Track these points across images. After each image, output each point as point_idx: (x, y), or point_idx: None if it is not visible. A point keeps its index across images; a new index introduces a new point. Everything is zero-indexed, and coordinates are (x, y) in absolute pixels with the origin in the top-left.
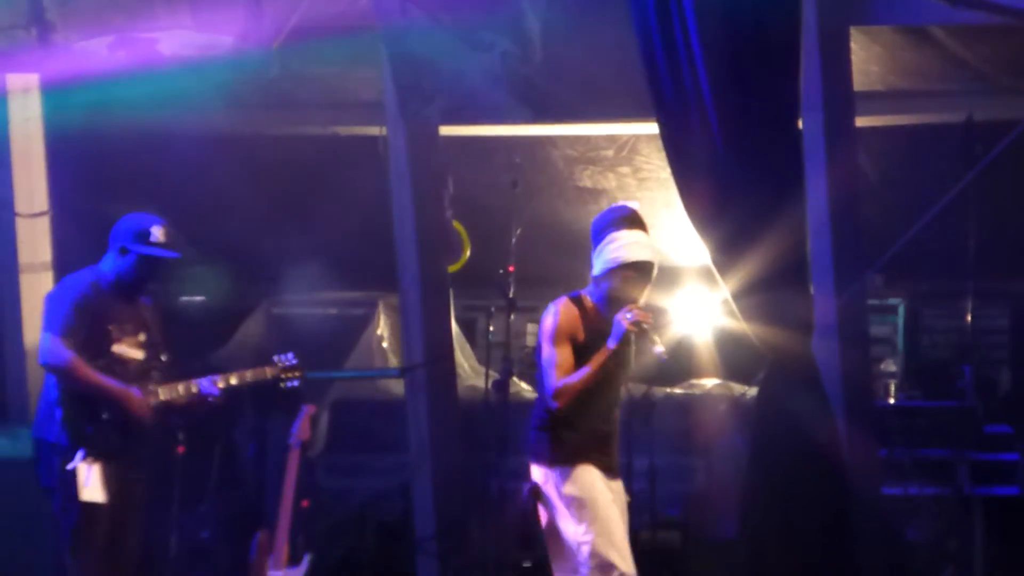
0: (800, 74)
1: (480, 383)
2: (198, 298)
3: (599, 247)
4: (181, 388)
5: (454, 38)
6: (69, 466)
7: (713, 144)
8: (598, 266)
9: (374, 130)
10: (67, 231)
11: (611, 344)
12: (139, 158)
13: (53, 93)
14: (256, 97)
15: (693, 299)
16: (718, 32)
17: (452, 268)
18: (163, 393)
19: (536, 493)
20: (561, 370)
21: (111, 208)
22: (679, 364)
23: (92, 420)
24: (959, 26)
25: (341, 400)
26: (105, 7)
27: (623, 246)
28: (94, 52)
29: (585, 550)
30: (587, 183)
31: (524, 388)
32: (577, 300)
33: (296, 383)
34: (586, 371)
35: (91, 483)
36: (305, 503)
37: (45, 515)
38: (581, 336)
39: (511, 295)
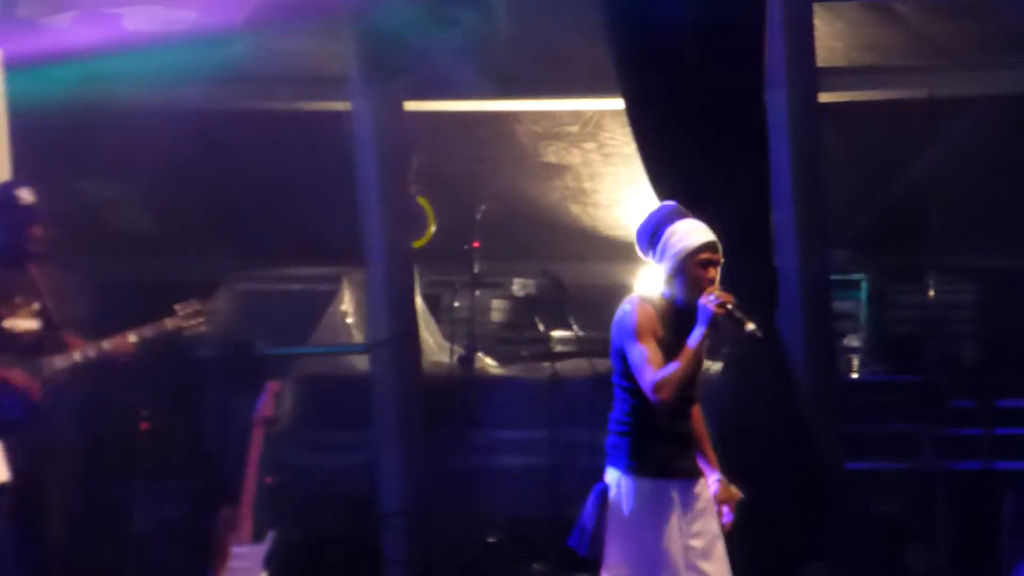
0: (764, 50)
1: (445, 358)
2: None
3: (660, 246)
4: (78, 355)
5: (419, 13)
6: None
7: (677, 119)
8: (668, 263)
9: (339, 105)
10: None
11: (702, 327)
12: (104, 134)
13: (17, 68)
14: (221, 72)
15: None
16: (682, 8)
17: (417, 243)
18: (59, 362)
19: (604, 495)
20: (654, 364)
21: (76, 184)
22: None
23: None
24: (922, 2)
25: (306, 376)
26: None
27: (688, 233)
28: (58, 27)
29: (644, 568)
30: (552, 159)
31: (489, 363)
32: (648, 299)
33: (203, 329)
34: (682, 360)
35: None
36: (269, 480)
37: None
38: (660, 333)
39: (476, 270)
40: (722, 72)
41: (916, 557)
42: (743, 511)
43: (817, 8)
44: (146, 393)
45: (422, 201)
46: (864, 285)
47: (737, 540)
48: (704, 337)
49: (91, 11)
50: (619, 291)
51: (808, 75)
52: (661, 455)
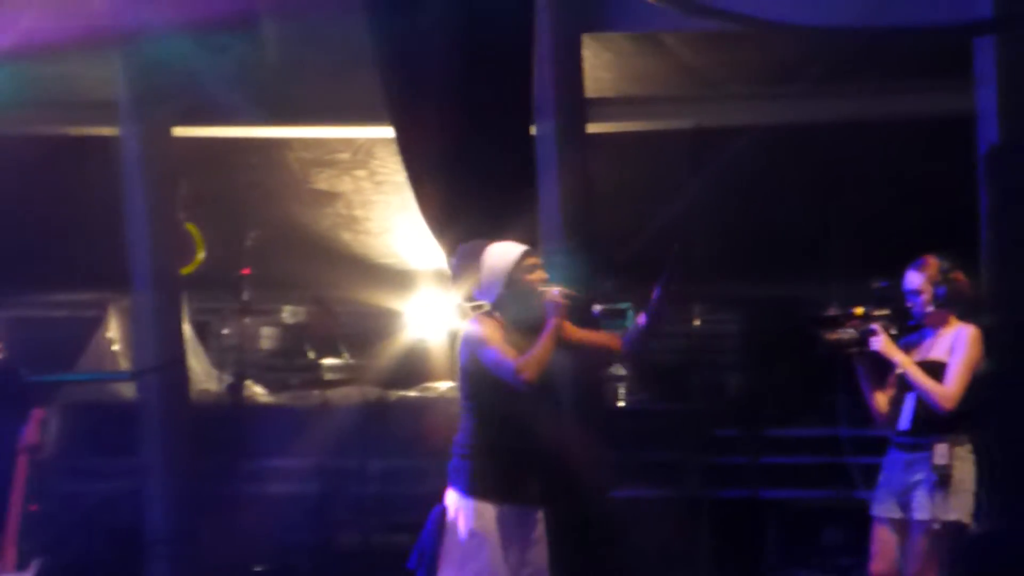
0: (533, 80)
1: (213, 386)
2: None
3: (485, 273)
4: None
5: (189, 39)
6: None
7: (446, 149)
8: (499, 284)
9: (107, 130)
10: None
11: (552, 319)
12: None
13: None
14: None
15: (428, 302)
16: (452, 38)
17: (185, 270)
18: None
19: (442, 517)
20: (509, 355)
21: None
22: (414, 367)
23: None
24: (689, 33)
25: (71, 403)
26: None
27: (503, 251)
28: None
29: None
30: (323, 186)
31: (258, 391)
32: (491, 316)
33: None
34: (540, 343)
35: None
36: (34, 507)
37: None
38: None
39: (245, 297)
40: (491, 102)
41: None
42: None
43: (585, 38)
44: None
45: (191, 227)
46: (630, 314)
47: None
48: (556, 326)
49: None
50: (389, 318)
51: (577, 105)
52: (503, 480)
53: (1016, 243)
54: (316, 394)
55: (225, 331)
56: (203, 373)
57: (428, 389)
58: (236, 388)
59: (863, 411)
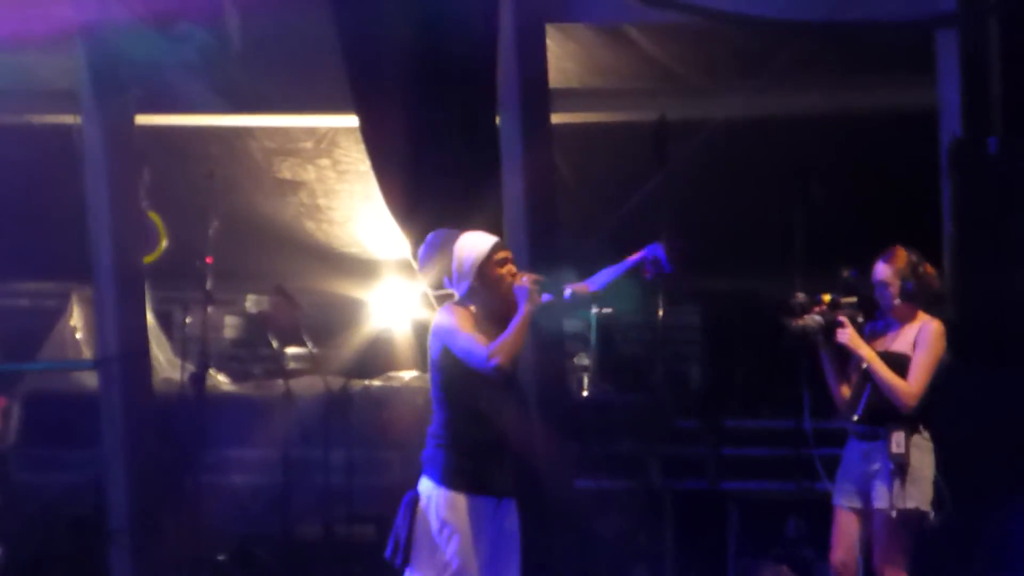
0: (497, 70)
1: (176, 375)
2: None
3: (455, 267)
4: None
5: (151, 28)
6: None
7: (410, 138)
8: (469, 277)
9: (69, 119)
10: None
11: (523, 306)
12: None
13: None
14: None
15: (392, 291)
16: (416, 28)
17: (148, 259)
18: None
19: (414, 504)
20: (481, 342)
21: None
22: (378, 356)
23: None
24: (653, 25)
25: (34, 393)
26: None
27: (475, 243)
28: None
29: None
30: (286, 175)
31: (221, 381)
32: (462, 304)
33: None
34: (512, 330)
35: None
36: None
37: None
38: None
39: (208, 287)
40: (455, 92)
41: (643, 575)
42: None
43: (550, 29)
44: None
45: (153, 216)
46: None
47: None
48: (527, 313)
49: None
50: (353, 307)
51: (541, 96)
52: (475, 470)
53: (977, 235)
54: (279, 384)
55: (188, 320)
56: (166, 362)
57: (392, 379)
58: (199, 377)
59: (826, 403)
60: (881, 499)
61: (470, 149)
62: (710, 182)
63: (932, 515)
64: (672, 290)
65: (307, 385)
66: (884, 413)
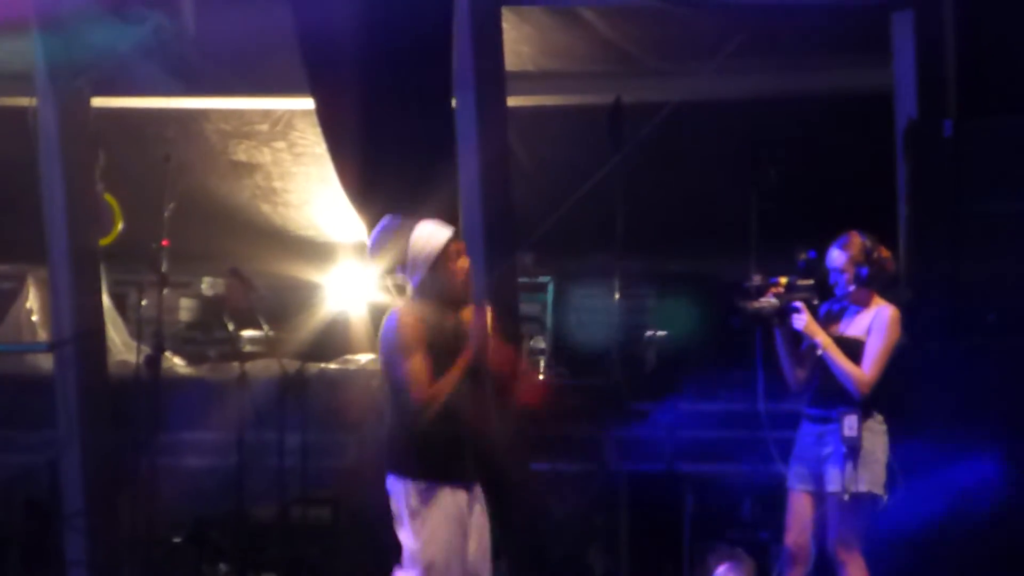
0: (452, 53)
1: (131, 358)
2: None
3: (411, 255)
4: None
5: (106, 11)
6: None
7: (366, 121)
8: (422, 268)
9: (23, 100)
10: None
11: (472, 347)
12: None
13: None
14: None
15: (348, 275)
16: (371, 10)
17: (103, 241)
18: None
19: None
20: (421, 381)
21: None
22: (334, 339)
23: None
24: (608, 8)
25: None
26: None
27: (430, 235)
28: None
29: (420, 567)
30: (242, 157)
31: (176, 363)
32: (410, 308)
33: None
34: (448, 377)
35: None
36: None
37: None
38: (426, 338)
39: (164, 270)
40: (410, 75)
41: (598, 557)
42: None
43: (505, 11)
44: None
45: (109, 198)
46: (550, 288)
47: None
48: (469, 359)
49: None
50: (309, 290)
51: (496, 79)
52: (439, 460)
53: (933, 217)
54: (235, 366)
55: (143, 303)
56: (121, 344)
57: (348, 361)
58: (154, 360)
59: (780, 385)
60: (834, 482)
61: (425, 132)
62: (666, 164)
63: (885, 498)
64: (628, 272)
65: (263, 368)
66: (837, 396)
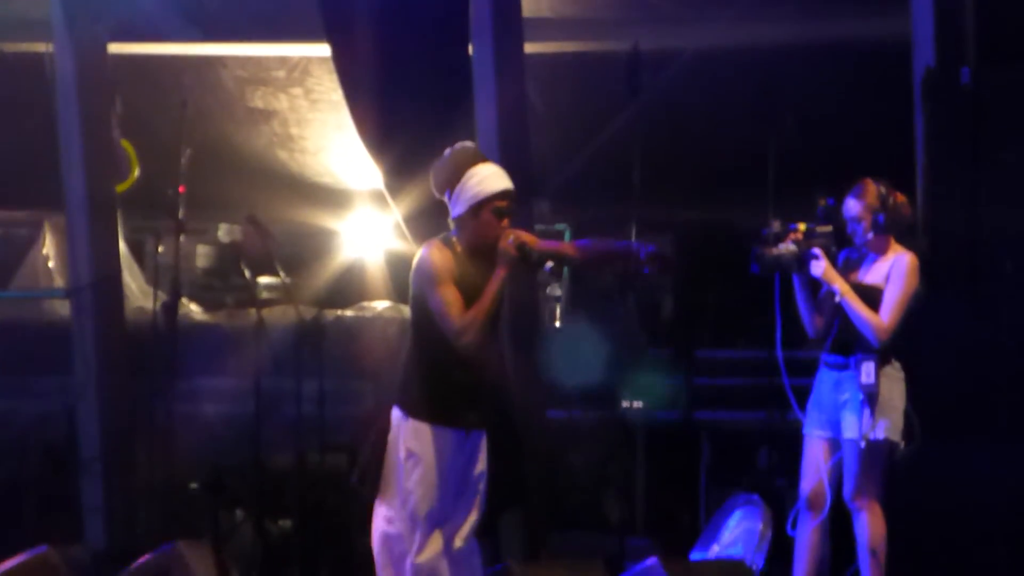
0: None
1: (148, 304)
2: None
3: (458, 187)
4: None
5: None
6: None
7: (383, 68)
8: (463, 205)
9: (40, 47)
10: None
11: (502, 268)
12: None
13: None
14: None
15: (364, 222)
16: None
17: (120, 188)
18: None
19: (384, 433)
20: (455, 309)
21: None
22: (350, 286)
23: None
24: None
25: (6, 321)
26: None
27: (487, 178)
28: None
29: (409, 505)
30: (258, 104)
31: (193, 310)
32: (447, 242)
33: None
34: (482, 302)
35: None
36: None
37: None
38: (457, 275)
39: (181, 216)
40: (427, 22)
41: (614, 506)
42: None
43: None
44: None
45: (126, 145)
46: (567, 236)
47: None
48: (503, 278)
49: None
50: (325, 237)
51: (513, 25)
52: (443, 402)
53: (950, 165)
54: (251, 313)
55: (160, 249)
56: (138, 291)
57: (364, 309)
58: (171, 307)
59: (798, 332)
60: (851, 429)
61: (442, 79)
62: (683, 112)
63: (902, 445)
64: (645, 219)
65: (279, 315)
66: (855, 343)
